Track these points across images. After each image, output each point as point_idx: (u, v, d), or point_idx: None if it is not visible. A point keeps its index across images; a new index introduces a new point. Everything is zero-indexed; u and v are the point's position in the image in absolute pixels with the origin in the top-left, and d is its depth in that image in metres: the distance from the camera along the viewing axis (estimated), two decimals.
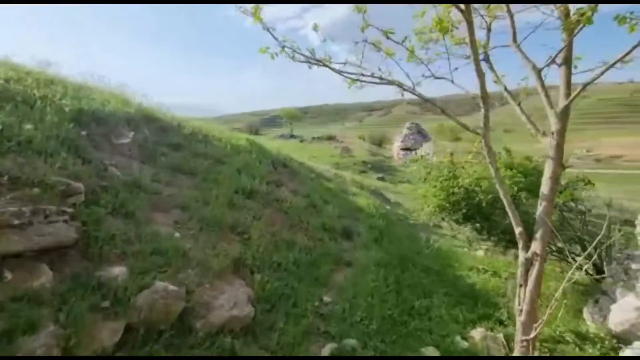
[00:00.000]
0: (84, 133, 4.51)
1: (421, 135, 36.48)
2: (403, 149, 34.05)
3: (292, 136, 45.81)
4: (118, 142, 4.96)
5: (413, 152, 31.35)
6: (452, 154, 7.34)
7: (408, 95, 3.54)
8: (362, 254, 5.53)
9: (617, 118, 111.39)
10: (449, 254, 7.35)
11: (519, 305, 3.33)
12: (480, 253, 8.27)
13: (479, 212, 6.77)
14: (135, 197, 3.92)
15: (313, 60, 3.24)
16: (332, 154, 23.38)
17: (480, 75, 3.25)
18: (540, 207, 3.36)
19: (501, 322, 4.82)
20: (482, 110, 3.42)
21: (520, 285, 3.36)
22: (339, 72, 3.33)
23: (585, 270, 5.39)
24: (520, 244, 3.41)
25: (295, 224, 5.33)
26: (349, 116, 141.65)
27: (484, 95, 3.29)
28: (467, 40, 3.07)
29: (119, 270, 2.92)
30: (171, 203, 4.30)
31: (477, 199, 6.54)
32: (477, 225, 7.05)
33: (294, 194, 6.31)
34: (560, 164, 3.41)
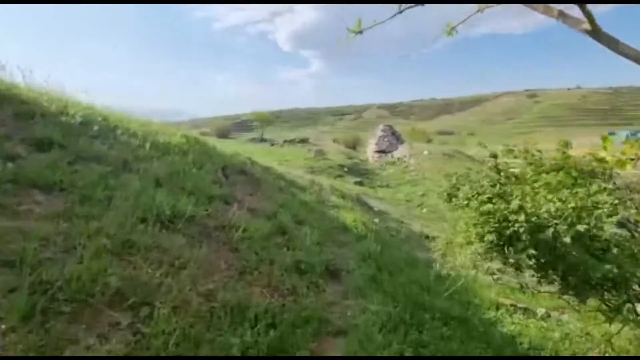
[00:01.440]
0: None
1: (395, 137, 35.32)
2: (377, 152, 32.66)
3: (263, 140, 43.27)
4: None
5: (388, 155, 30.02)
6: (496, 157, 5.03)
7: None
8: (358, 309, 3.48)
9: (567, 121, 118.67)
10: (463, 283, 5.51)
11: None
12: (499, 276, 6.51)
13: (557, 256, 3.81)
14: None
15: None
16: (306, 157, 21.28)
17: None
18: None
19: None
20: None
21: None
22: None
23: None
24: None
25: (251, 267, 3.20)
26: (321, 120, 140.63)
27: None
28: None
29: None
30: None
31: (554, 231, 3.62)
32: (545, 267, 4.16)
33: (252, 215, 4.17)
34: None
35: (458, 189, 5.06)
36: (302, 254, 3.83)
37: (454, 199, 5.05)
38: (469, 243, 4.52)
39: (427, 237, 9.06)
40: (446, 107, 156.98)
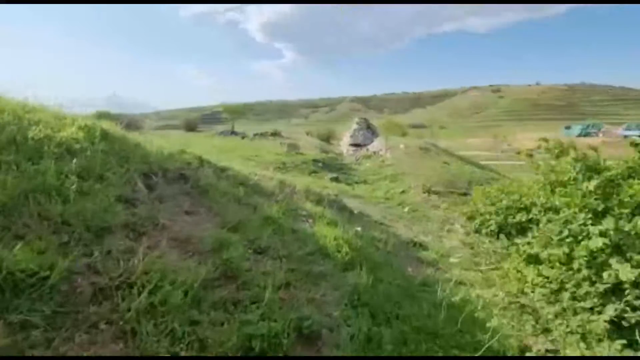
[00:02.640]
0: None
1: (370, 130, 34.36)
2: (353, 145, 31.55)
3: (233, 133, 40.82)
4: None
5: (364, 149, 28.95)
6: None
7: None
8: None
9: (529, 115, 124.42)
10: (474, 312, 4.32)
11: None
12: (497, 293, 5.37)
13: None
14: None
15: None
16: (278, 152, 19.61)
17: None
18: None
19: None
20: None
21: None
22: None
23: None
24: None
25: None
26: (294, 113, 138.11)
27: None
28: None
29: None
30: None
31: None
32: None
33: (180, 253, 2.61)
34: None
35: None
36: (257, 317, 2.34)
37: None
38: None
39: (414, 244, 7.85)
40: (417, 100, 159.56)
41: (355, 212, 9.82)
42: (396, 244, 6.74)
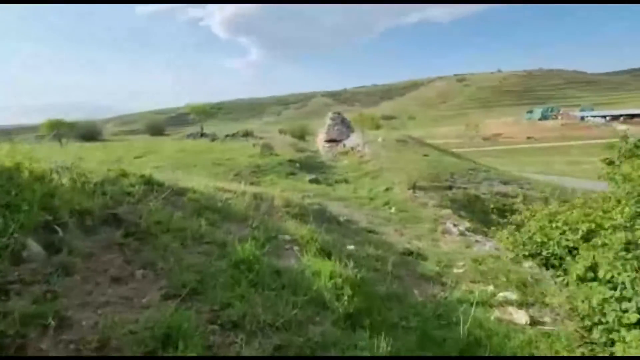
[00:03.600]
0: None
1: (345, 125, 33.42)
2: (328, 141, 30.52)
3: (202, 135, 38.47)
4: None
5: (340, 144, 28.05)
6: None
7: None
8: None
9: (492, 102, 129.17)
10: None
11: None
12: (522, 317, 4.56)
13: None
14: None
15: None
16: (251, 154, 18.22)
17: None
18: None
19: None
20: None
21: None
22: None
23: None
24: None
25: None
26: (266, 110, 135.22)
27: None
28: None
29: None
30: None
31: None
32: None
33: None
34: None
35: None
36: None
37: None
38: None
39: (410, 253, 6.99)
40: (387, 92, 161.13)
41: (342, 219, 8.85)
42: (395, 261, 5.80)
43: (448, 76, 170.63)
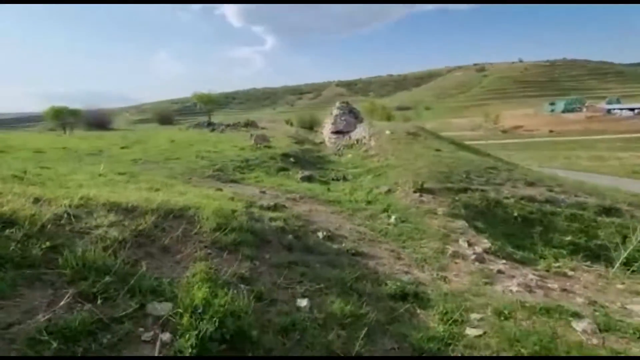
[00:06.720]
0: None
1: (353, 115, 30.87)
2: (335, 132, 28.14)
3: (209, 124, 36.68)
4: None
5: (346, 136, 25.63)
6: None
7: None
8: None
9: (512, 93, 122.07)
10: None
11: None
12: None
13: None
14: None
15: None
16: (242, 147, 16.21)
17: None
18: None
19: None
20: None
21: None
22: None
23: None
24: None
25: None
26: (280, 100, 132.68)
27: None
28: None
29: None
30: None
31: None
32: None
33: None
34: None
35: None
36: None
37: None
38: None
39: (405, 296, 4.81)
40: (402, 82, 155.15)
41: (322, 235, 6.73)
42: (377, 319, 3.66)
43: (467, 65, 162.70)
